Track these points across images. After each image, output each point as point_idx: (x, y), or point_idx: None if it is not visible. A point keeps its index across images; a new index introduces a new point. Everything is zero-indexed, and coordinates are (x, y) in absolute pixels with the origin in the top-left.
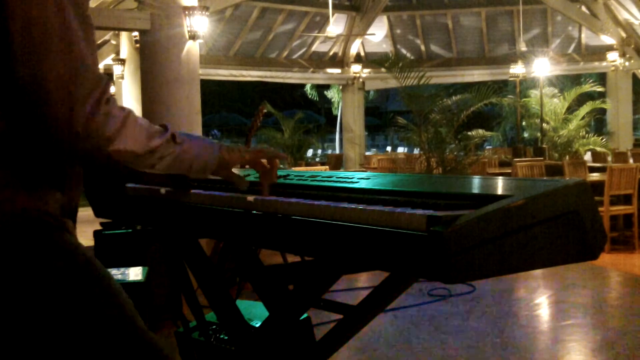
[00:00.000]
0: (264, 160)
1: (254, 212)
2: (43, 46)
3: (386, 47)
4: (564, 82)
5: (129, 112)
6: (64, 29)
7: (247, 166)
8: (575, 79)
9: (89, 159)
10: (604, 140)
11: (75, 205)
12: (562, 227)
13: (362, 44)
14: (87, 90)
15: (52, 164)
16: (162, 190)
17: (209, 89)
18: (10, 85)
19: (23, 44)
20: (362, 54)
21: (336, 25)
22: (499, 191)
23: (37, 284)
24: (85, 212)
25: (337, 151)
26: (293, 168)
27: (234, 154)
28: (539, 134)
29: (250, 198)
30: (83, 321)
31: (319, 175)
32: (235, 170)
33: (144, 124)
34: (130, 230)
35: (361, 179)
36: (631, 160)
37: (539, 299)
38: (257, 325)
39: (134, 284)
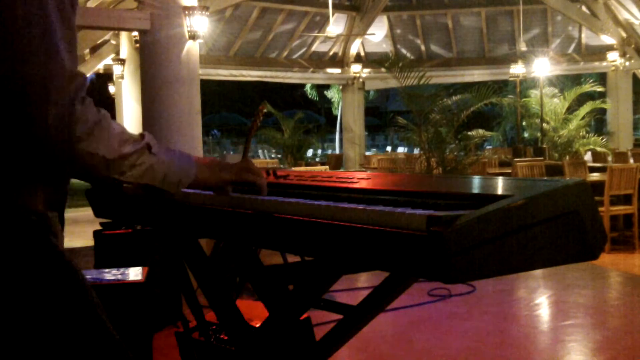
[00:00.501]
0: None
1: (254, 212)
2: (26, 45)
3: (386, 47)
4: (564, 82)
5: (103, 115)
6: (47, 30)
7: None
8: (575, 79)
9: (57, 156)
10: (604, 140)
11: (64, 201)
12: (562, 227)
13: (362, 44)
14: (60, 87)
15: (40, 162)
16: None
17: (209, 89)
18: None
19: (8, 42)
20: (362, 54)
21: (336, 25)
22: (499, 191)
23: (15, 284)
24: (85, 212)
25: (337, 151)
26: (293, 168)
27: (211, 174)
28: (539, 134)
29: (250, 198)
30: (59, 321)
31: (319, 175)
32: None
33: (117, 129)
34: (130, 230)
35: (361, 179)
36: (631, 160)
37: (539, 299)
38: (257, 325)
39: (134, 284)
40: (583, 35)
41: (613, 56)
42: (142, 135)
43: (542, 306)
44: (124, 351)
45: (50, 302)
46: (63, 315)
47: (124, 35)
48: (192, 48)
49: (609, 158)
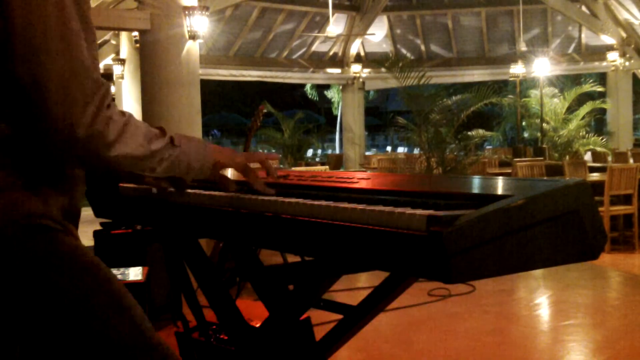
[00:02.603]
0: (257, 165)
1: (254, 212)
2: (43, 46)
3: (386, 47)
4: (564, 82)
5: (129, 117)
6: (65, 30)
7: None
8: (575, 79)
9: (88, 163)
10: (604, 140)
11: (79, 207)
12: (562, 227)
13: (362, 44)
14: (88, 95)
15: (56, 167)
16: (154, 190)
17: (209, 89)
18: (11, 86)
19: (23, 44)
20: (362, 54)
21: (336, 25)
22: (499, 191)
23: (41, 288)
24: (85, 212)
25: (337, 151)
26: (293, 168)
27: (225, 156)
28: (539, 134)
29: (250, 198)
30: (87, 325)
31: (319, 175)
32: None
33: (143, 127)
34: (130, 230)
35: (361, 179)
36: (631, 160)
37: (539, 299)
38: (257, 326)
39: (134, 284)
40: (583, 35)
41: (613, 56)
42: (162, 130)
43: (542, 306)
44: (165, 353)
45: (79, 299)
46: (95, 315)
47: (124, 35)
48: (192, 48)
49: (609, 158)
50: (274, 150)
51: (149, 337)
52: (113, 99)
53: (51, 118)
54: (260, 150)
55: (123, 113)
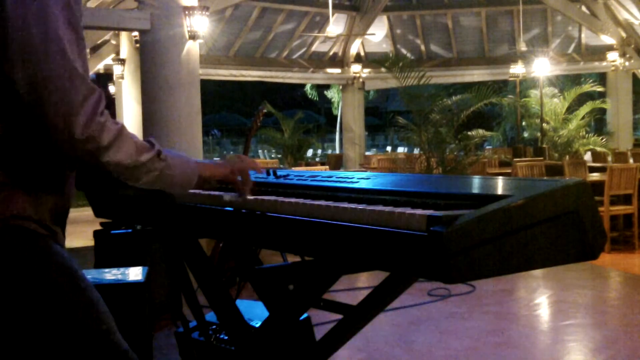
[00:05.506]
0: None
1: (254, 212)
2: (41, 49)
3: (386, 47)
4: (564, 82)
5: (122, 126)
6: (59, 35)
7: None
8: (575, 79)
9: (87, 164)
10: (604, 140)
11: (67, 208)
12: (562, 227)
13: (362, 44)
14: (83, 98)
15: (49, 167)
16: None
17: (209, 89)
18: (8, 88)
19: (21, 47)
20: (362, 54)
21: (336, 25)
22: (499, 191)
23: (20, 291)
24: (85, 212)
25: (337, 151)
26: (293, 168)
27: (210, 170)
28: (539, 134)
29: (250, 198)
30: (62, 328)
31: (319, 175)
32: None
33: (134, 138)
34: (130, 230)
35: (361, 179)
36: (631, 160)
37: (539, 299)
38: (257, 325)
39: (134, 284)
40: (583, 35)
41: (613, 56)
42: (151, 143)
43: (542, 306)
44: (124, 354)
45: (49, 304)
46: (62, 318)
47: (124, 35)
48: (192, 48)
49: (609, 158)
50: (274, 150)
51: (117, 344)
52: (108, 106)
53: (49, 119)
54: (260, 150)
55: (116, 122)
